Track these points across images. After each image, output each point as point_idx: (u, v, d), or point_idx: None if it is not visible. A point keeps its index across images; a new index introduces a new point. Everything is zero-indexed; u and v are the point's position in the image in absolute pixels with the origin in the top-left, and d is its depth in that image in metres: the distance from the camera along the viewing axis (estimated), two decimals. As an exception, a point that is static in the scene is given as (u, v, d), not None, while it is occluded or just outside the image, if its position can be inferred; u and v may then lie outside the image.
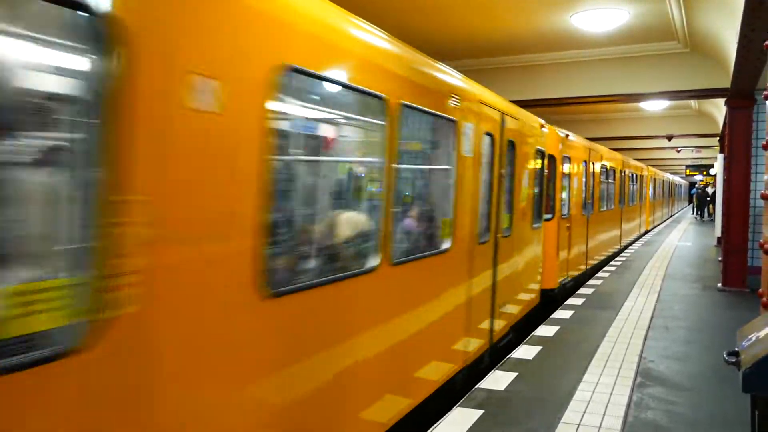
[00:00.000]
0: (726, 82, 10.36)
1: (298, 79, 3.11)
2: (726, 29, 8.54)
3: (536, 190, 8.46)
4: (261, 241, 2.72)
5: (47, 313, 2.04)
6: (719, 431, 4.62)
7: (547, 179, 9.32)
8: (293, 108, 3.60)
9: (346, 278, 3.60)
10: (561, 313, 8.54)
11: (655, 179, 27.68)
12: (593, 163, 12.78)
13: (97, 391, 2.08)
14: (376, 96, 3.90)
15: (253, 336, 2.75)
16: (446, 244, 5.18)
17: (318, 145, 4.42)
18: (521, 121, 7.45)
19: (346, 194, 4.79)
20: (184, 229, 2.36)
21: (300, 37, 3.05)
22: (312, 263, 3.66)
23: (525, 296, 7.94)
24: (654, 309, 8.95)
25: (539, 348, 6.75)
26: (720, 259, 12.00)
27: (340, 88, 3.75)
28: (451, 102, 5.16)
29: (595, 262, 13.43)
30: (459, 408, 4.94)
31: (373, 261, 3.90)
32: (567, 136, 10.48)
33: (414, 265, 4.67)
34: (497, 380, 5.64)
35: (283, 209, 3.43)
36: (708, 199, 31.76)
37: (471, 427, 4.55)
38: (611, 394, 5.30)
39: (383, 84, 3.97)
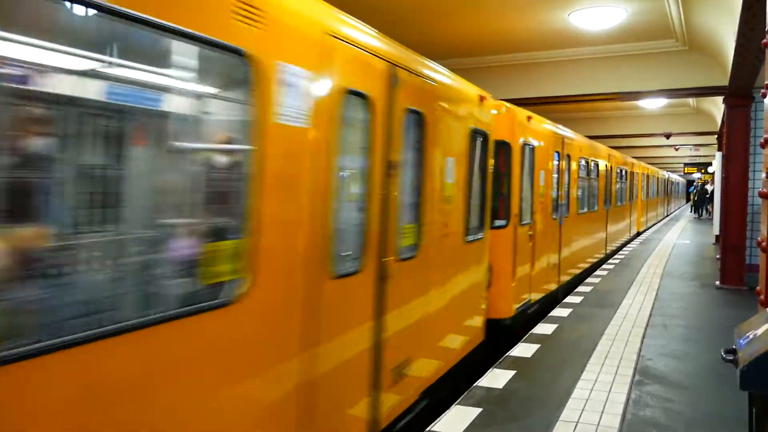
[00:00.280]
0: (724, 80, 10.37)
1: None
2: (724, 27, 8.54)
3: (475, 187, 6.19)
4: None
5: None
6: (717, 429, 4.63)
7: (499, 174, 7.43)
8: None
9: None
10: (559, 311, 8.55)
11: (647, 176, 25.30)
12: (568, 156, 10.69)
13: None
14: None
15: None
16: (230, 291, 2.84)
17: None
18: (439, 85, 5.18)
19: None
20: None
21: None
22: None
23: (453, 340, 5.69)
24: (652, 307, 8.96)
25: (537, 346, 6.75)
26: (718, 257, 12.01)
27: None
28: (239, 15, 2.80)
29: (571, 276, 11.02)
30: (457, 406, 4.94)
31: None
32: (529, 118, 8.33)
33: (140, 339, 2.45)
34: (495, 378, 5.64)
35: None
36: (707, 197, 31.68)
37: (469, 425, 4.55)
38: (609, 392, 5.30)
39: None
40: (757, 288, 3.74)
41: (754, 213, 10.82)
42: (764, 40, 3.71)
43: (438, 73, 5.25)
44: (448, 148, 5.30)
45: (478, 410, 4.84)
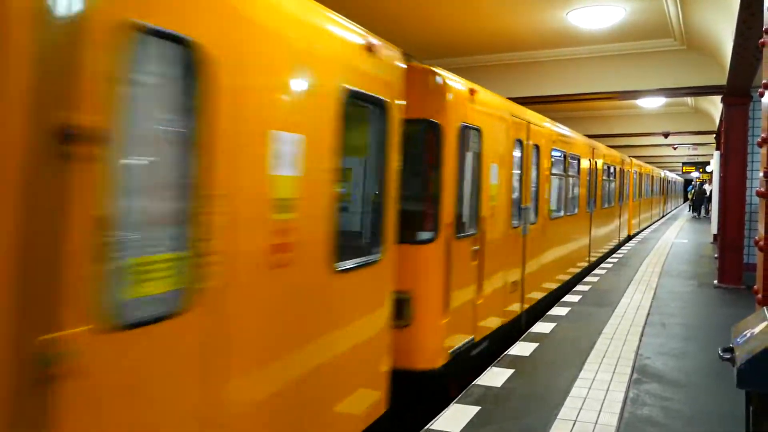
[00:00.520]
0: (722, 79, 10.38)
1: None
2: (722, 26, 8.55)
3: (361, 184, 4.61)
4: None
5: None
6: (715, 427, 4.64)
7: (424, 168, 5.54)
8: None
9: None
10: (558, 310, 8.56)
11: (641, 174, 22.95)
12: (537, 147, 8.35)
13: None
14: None
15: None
16: None
17: None
18: (295, 20, 3.30)
19: None
20: None
21: None
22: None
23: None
24: (650, 306, 8.98)
25: (536, 345, 6.76)
26: (716, 256, 12.03)
27: None
28: None
29: (543, 294, 8.95)
30: (456, 404, 4.95)
31: None
32: (473, 92, 6.00)
33: None
34: (494, 377, 5.65)
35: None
36: (706, 196, 31.63)
37: (468, 424, 4.56)
38: (608, 390, 5.31)
39: None
40: (755, 287, 3.75)
41: (752, 212, 10.84)
42: (762, 40, 3.72)
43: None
44: (278, 115, 3.10)
45: (477, 408, 4.85)
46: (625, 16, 9.35)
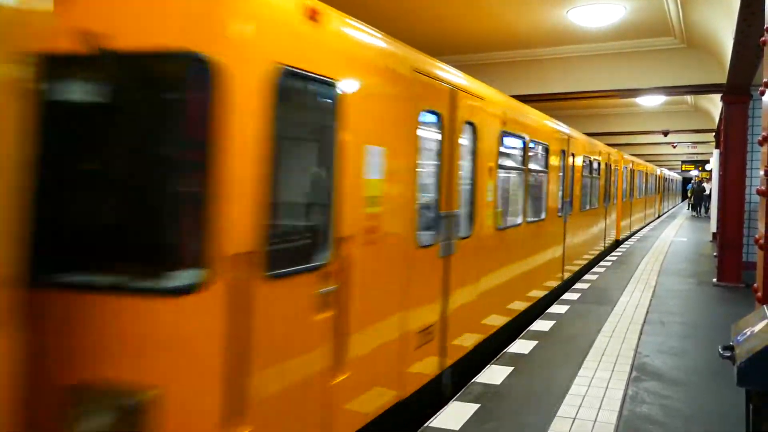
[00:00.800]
0: (722, 78, 10.39)
1: None
2: (722, 25, 8.55)
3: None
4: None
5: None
6: (713, 425, 4.65)
7: (182, 144, 2.95)
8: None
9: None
10: (557, 308, 8.57)
11: (632, 170, 20.29)
12: (471, 126, 5.85)
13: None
14: None
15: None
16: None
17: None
18: None
19: None
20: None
21: None
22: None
23: None
24: (649, 304, 8.98)
25: (535, 343, 6.77)
26: (715, 254, 12.04)
27: None
28: None
29: (479, 337, 6.23)
30: (455, 402, 4.96)
31: None
32: (314, 13, 3.42)
33: None
34: (493, 374, 5.65)
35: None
36: (705, 194, 31.57)
37: (467, 421, 4.56)
38: (607, 388, 5.32)
39: None
40: (754, 285, 3.75)
41: (752, 210, 10.85)
42: (763, 38, 3.72)
43: None
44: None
45: (476, 406, 4.85)
46: (625, 15, 9.35)
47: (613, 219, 16.41)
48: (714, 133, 19.18)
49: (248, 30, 2.96)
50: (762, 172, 3.69)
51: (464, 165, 5.72)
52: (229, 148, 2.80)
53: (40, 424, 2.74)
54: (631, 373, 5.76)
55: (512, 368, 5.84)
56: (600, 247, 14.33)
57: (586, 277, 11.46)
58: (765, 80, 3.68)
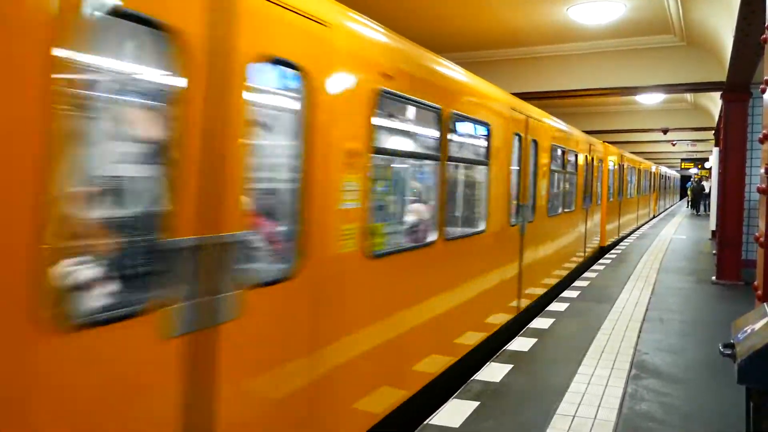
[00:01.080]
0: (722, 76, 10.38)
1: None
2: (722, 23, 8.54)
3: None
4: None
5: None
6: (713, 423, 4.65)
7: None
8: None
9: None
10: (556, 306, 8.57)
11: (622, 166, 18.08)
12: (296, 76, 3.23)
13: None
14: None
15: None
16: None
17: None
18: None
19: None
20: None
21: None
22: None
23: None
24: (649, 302, 8.99)
25: (534, 340, 6.77)
26: (714, 252, 12.05)
27: None
28: None
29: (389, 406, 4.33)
30: (455, 400, 4.96)
31: None
32: None
33: None
34: (493, 372, 5.66)
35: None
36: (705, 192, 31.43)
37: (467, 419, 4.57)
38: (606, 386, 5.32)
39: None
40: (754, 283, 3.75)
41: (751, 208, 10.86)
42: (763, 36, 3.71)
43: None
44: None
45: (476, 404, 4.86)
46: (625, 12, 9.34)
47: (597, 222, 14.09)
48: (713, 131, 19.18)
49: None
50: (762, 170, 3.69)
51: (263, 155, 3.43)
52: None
53: None
54: (630, 370, 5.77)
55: (512, 366, 5.85)
56: (578, 258, 11.88)
57: (586, 275, 11.46)
58: (766, 78, 3.68)
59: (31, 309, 1.98)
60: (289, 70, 3.21)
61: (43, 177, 2.01)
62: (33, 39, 1.98)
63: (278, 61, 3.10)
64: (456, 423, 4.48)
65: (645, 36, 10.79)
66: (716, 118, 16.39)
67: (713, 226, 15.67)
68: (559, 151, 9.91)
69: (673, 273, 11.91)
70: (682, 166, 38.44)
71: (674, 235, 20.40)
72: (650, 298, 9.31)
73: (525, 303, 7.95)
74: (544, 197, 8.69)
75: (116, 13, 2.25)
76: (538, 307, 8.55)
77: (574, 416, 4.65)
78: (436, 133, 5.14)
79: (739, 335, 2.70)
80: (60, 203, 2.09)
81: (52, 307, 2.03)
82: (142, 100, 2.85)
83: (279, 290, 3.09)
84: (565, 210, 10.46)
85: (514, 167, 7.29)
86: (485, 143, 6.28)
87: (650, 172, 27.78)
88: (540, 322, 7.61)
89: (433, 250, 5.09)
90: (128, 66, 2.88)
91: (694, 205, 34.54)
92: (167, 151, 2.49)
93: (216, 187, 2.65)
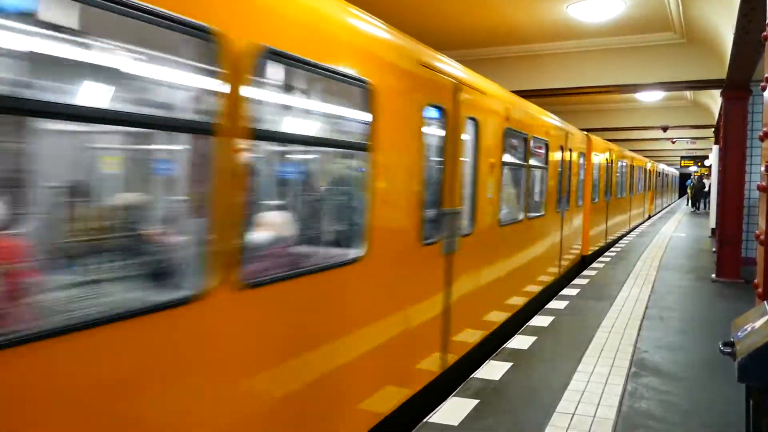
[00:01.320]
0: (722, 73, 10.37)
1: None
2: (722, 20, 8.53)
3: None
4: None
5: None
6: (712, 421, 4.65)
7: None
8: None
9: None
10: (556, 304, 8.57)
11: (610, 161, 15.57)
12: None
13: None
14: None
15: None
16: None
17: None
18: None
19: None
20: None
21: None
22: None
23: None
24: (648, 299, 8.99)
25: (534, 338, 6.77)
26: (714, 250, 12.05)
27: None
28: None
29: None
30: (454, 398, 4.96)
31: None
32: None
33: None
34: (492, 370, 5.66)
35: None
36: (705, 190, 31.29)
37: (466, 417, 4.56)
38: (606, 383, 5.32)
39: None
40: (754, 281, 3.75)
41: (751, 206, 10.86)
42: (764, 33, 3.70)
43: None
44: None
45: (475, 402, 4.85)
46: (625, 10, 9.33)
47: (578, 228, 11.92)
48: (713, 129, 19.18)
49: None
50: (762, 168, 3.68)
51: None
52: None
53: None
54: (630, 368, 5.77)
55: (511, 364, 5.84)
56: (551, 275, 9.70)
57: (585, 272, 11.46)
58: (766, 75, 3.67)
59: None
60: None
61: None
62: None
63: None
64: (455, 421, 4.48)
65: (645, 33, 10.78)
66: (716, 115, 16.38)
67: (713, 224, 15.67)
68: (519, 139, 7.67)
69: (673, 271, 11.91)
70: (682, 164, 38.40)
71: (674, 232, 20.40)
72: (650, 295, 9.31)
73: (454, 357, 5.54)
74: (492, 201, 6.59)
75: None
76: (536, 308, 8.54)
77: (573, 414, 4.65)
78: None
79: (739, 333, 2.69)
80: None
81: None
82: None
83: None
84: (530, 216, 8.14)
85: (432, 157, 4.99)
86: (363, 117, 3.94)
87: (645, 169, 25.30)
88: (539, 320, 7.61)
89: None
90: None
91: (694, 203, 34.48)
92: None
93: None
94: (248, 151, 2.91)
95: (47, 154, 2.76)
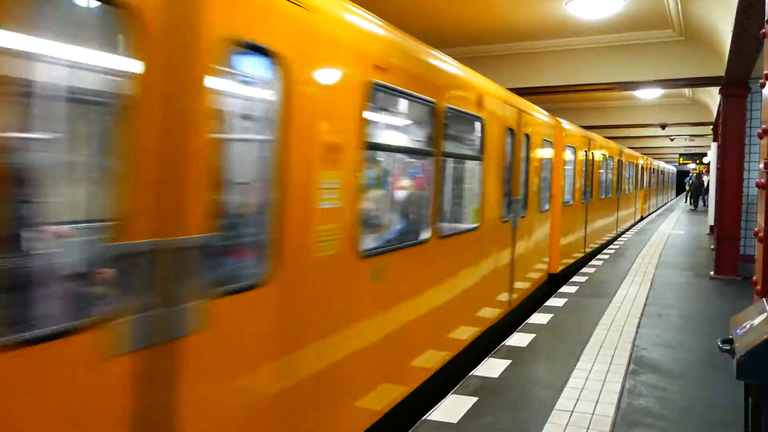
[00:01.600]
0: (720, 71, 10.36)
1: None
2: (721, 17, 8.52)
3: None
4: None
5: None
6: (711, 418, 4.65)
7: None
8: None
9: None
10: (555, 301, 8.57)
11: (590, 154, 13.06)
12: None
13: None
14: None
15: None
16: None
17: None
18: None
19: None
20: None
21: None
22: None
23: None
24: (647, 297, 8.99)
25: (533, 335, 6.77)
26: (713, 247, 12.05)
27: None
28: None
29: None
30: (453, 395, 4.96)
31: None
32: None
33: None
34: (491, 367, 5.66)
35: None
36: (704, 187, 31.18)
37: (465, 414, 4.56)
38: (604, 381, 5.33)
39: None
40: (753, 278, 3.75)
41: (749, 203, 10.86)
42: (763, 30, 3.70)
43: None
44: None
45: (474, 399, 4.85)
46: (623, 7, 9.31)
47: (542, 239, 9.28)
48: (712, 127, 19.18)
49: None
50: (761, 165, 3.68)
51: None
52: None
53: None
54: (628, 366, 5.77)
55: (510, 361, 5.85)
56: (492, 313, 6.90)
57: (584, 270, 11.47)
58: (765, 72, 3.67)
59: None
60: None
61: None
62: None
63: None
64: (454, 419, 4.48)
65: (643, 31, 10.76)
66: (715, 113, 16.38)
67: (711, 221, 15.68)
68: (421, 109, 5.10)
69: (672, 268, 11.91)
70: (681, 162, 38.39)
71: (672, 230, 20.41)
72: (648, 293, 9.31)
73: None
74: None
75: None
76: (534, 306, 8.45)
77: (572, 411, 4.65)
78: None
79: (738, 331, 2.69)
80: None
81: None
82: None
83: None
84: (445, 232, 5.46)
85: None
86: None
87: (637, 165, 22.51)
88: (538, 318, 7.61)
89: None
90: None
91: (693, 200, 34.40)
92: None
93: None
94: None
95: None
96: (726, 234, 10.91)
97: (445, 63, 5.57)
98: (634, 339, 6.70)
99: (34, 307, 2.25)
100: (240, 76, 3.27)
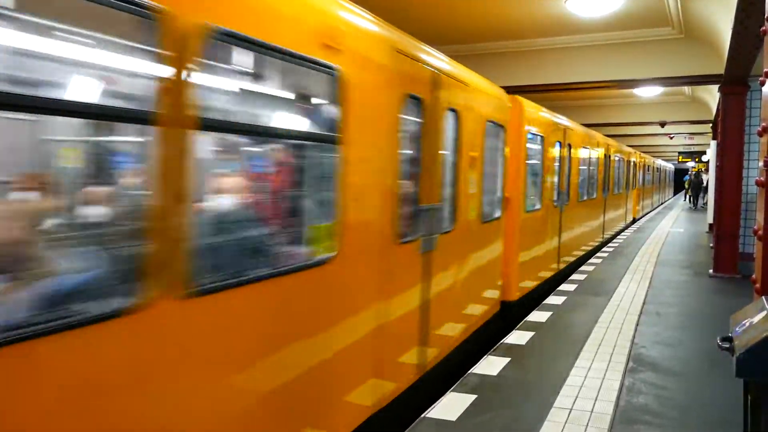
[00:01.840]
0: (720, 69, 10.36)
1: None
2: (720, 15, 8.51)
3: None
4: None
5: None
6: (709, 415, 4.66)
7: None
8: None
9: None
10: (554, 299, 8.57)
11: (569, 150, 11.15)
12: None
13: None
14: None
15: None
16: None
17: None
18: None
19: None
20: None
21: None
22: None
23: None
24: (646, 295, 9.00)
25: (532, 333, 6.77)
26: (712, 245, 12.06)
27: None
28: None
29: None
30: (452, 393, 4.96)
31: None
32: None
33: None
34: (490, 365, 5.66)
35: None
36: (704, 186, 31.09)
37: (464, 412, 4.56)
38: (603, 379, 5.33)
39: None
40: (752, 276, 3.74)
41: (748, 201, 10.86)
42: (762, 28, 3.69)
43: None
44: None
45: (473, 397, 4.86)
46: (623, 4, 9.30)
47: (488, 262, 6.99)
48: (711, 125, 19.17)
49: None
50: (761, 163, 3.68)
51: None
52: None
53: None
54: (627, 363, 5.77)
55: (509, 359, 5.85)
56: (395, 381, 4.68)
57: (583, 268, 11.47)
58: (765, 70, 3.66)
59: None
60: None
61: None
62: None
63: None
64: (453, 416, 4.48)
65: (643, 28, 10.75)
66: (714, 111, 16.37)
67: (710, 219, 15.68)
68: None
69: (671, 266, 11.92)
70: (680, 160, 38.38)
71: (672, 228, 20.42)
72: (647, 291, 9.32)
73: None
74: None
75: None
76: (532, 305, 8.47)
77: (571, 409, 4.65)
78: None
79: (737, 328, 2.69)
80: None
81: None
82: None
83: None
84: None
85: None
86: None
87: (629, 162, 20.43)
88: (537, 316, 7.61)
89: None
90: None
91: (693, 198, 34.33)
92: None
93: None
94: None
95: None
96: (725, 232, 10.91)
97: None
98: (633, 337, 6.71)
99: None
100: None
